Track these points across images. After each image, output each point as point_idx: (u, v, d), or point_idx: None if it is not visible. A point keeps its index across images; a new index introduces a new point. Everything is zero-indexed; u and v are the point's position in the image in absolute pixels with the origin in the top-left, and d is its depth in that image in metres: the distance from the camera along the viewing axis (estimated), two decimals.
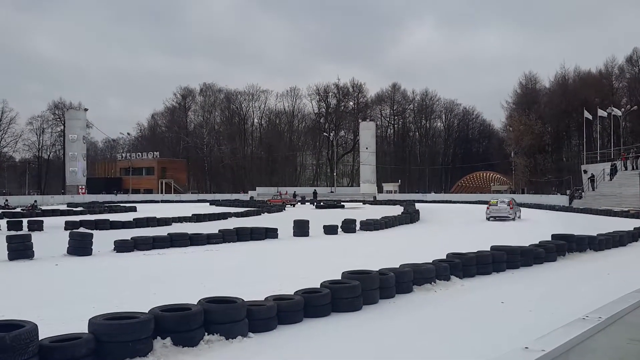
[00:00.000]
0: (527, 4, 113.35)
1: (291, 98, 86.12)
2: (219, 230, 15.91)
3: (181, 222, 23.06)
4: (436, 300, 7.58)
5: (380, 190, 67.10)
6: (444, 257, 9.57)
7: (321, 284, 6.95)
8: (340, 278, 7.42)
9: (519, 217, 26.51)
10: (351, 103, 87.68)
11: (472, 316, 6.76)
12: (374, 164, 68.63)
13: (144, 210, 32.46)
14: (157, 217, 22.29)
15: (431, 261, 8.99)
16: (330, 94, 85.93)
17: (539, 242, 12.19)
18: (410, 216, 24.95)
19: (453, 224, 24.40)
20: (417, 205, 35.36)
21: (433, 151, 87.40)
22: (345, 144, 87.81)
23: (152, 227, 20.61)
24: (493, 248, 10.54)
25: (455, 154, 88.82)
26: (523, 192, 52.65)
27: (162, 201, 56.40)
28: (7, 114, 74.55)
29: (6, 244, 11.82)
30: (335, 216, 24.43)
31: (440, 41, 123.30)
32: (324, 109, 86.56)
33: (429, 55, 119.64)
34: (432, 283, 8.28)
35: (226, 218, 26.53)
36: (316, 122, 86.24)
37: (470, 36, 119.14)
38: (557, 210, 35.10)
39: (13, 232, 16.37)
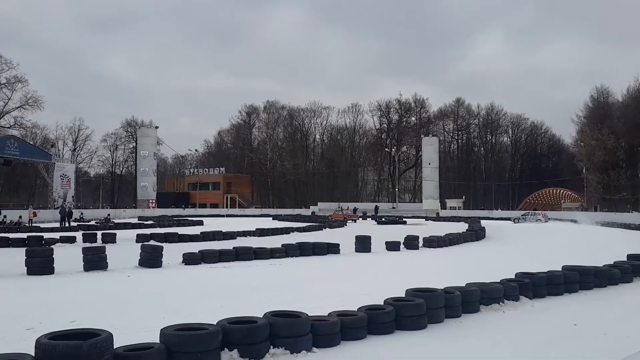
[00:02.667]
0: (597, 17, 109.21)
1: (353, 114, 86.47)
2: (282, 245, 16.11)
3: (245, 236, 23.53)
4: (504, 321, 7.34)
5: (443, 206, 65.85)
6: (512, 277, 9.27)
7: (385, 301, 6.89)
8: (404, 295, 7.34)
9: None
10: (413, 118, 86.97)
11: (542, 338, 6.50)
12: (437, 180, 67.51)
13: (210, 224, 33.37)
14: (223, 231, 22.84)
15: (499, 280, 8.73)
16: (392, 110, 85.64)
17: (614, 262, 11.58)
18: (475, 233, 24.31)
19: (522, 242, 23.55)
20: (483, 223, 34.41)
21: (499, 167, 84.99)
22: (407, 159, 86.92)
23: (218, 240, 21.13)
24: (565, 268, 10.10)
25: (523, 169, 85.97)
26: (596, 210, 50.14)
27: (227, 215, 57.71)
28: (83, 131, 78.99)
29: (82, 255, 12.47)
30: (397, 232, 24.17)
31: (507, 54, 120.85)
32: (385, 125, 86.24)
33: (495, 69, 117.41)
34: (500, 303, 8.03)
35: (288, 233, 26.81)
36: (378, 137, 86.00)
37: (538, 49, 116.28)
38: (632, 229, 33.16)
39: (88, 244, 17.23)
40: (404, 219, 43.86)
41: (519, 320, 7.45)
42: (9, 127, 67.34)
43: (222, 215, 57.20)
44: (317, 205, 64.55)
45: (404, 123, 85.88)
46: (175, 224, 35.35)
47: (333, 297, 8.71)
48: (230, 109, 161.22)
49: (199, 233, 22.00)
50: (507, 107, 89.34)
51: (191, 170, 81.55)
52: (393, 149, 78.50)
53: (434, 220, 47.18)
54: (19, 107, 68.68)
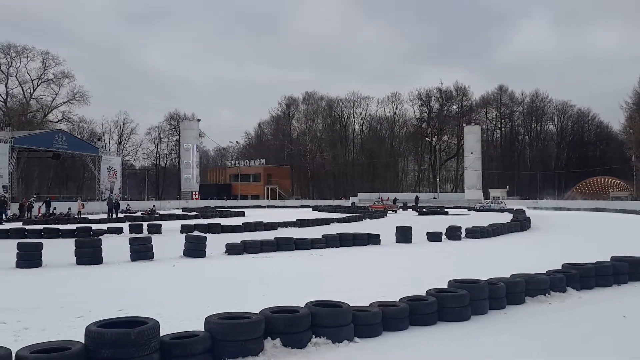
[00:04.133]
0: None
1: (392, 104, 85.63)
2: (322, 236, 16.15)
3: (286, 227, 23.72)
4: (551, 313, 7.17)
5: (486, 196, 64.61)
6: (559, 268, 9.03)
7: (427, 292, 6.84)
8: (446, 287, 7.26)
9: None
10: (455, 107, 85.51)
11: (590, 330, 6.33)
12: (479, 169, 66.31)
13: (252, 215, 33.81)
14: (264, 222, 23.08)
15: (545, 272, 8.53)
16: (432, 98, 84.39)
17: None
18: (520, 224, 23.76)
19: (568, 233, 22.93)
20: (528, 212, 33.64)
21: (544, 155, 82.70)
22: (449, 148, 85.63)
23: (259, 231, 21.40)
24: (614, 258, 9.77)
25: (570, 158, 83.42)
26: None
27: (268, 206, 58.29)
28: (128, 125, 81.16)
29: (129, 245, 12.84)
30: (438, 223, 23.92)
31: (553, 39, 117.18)
32: (426, 114, 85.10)
33: (540, 55, 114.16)
34: (547, 295, 7.85)
35: (328, 223, 26.87)
36: (418, 127, 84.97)
37: (585, 33, 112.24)
38: None
39: (135, 235, 17.71)
40: (446, 210, 43.31)
41: (566, 312, 7.27)
42: (57, 122, 69.88)
43: (263, 206, 57.81)
44: (357, 196, 64.43)
45: (445, 112, 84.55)
46: (217, 215, 35.94)
47: (374, 287, 8.69)
48: (270, 100, 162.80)
49: (240, 224, 22.30)
50: (552, 94, 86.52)
51: (232, 162, 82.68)
52: (434, 139, 77.44)
53: (477, 211, 46.42)
54: (66, 102, 71.18)
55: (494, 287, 7.25)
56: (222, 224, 22.34)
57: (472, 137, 67.27)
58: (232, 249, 13.91)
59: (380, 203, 49.43)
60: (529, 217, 27.27)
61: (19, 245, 11.77)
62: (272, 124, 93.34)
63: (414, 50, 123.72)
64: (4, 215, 29.79)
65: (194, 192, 64.19)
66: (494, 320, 6.73)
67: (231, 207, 51.60)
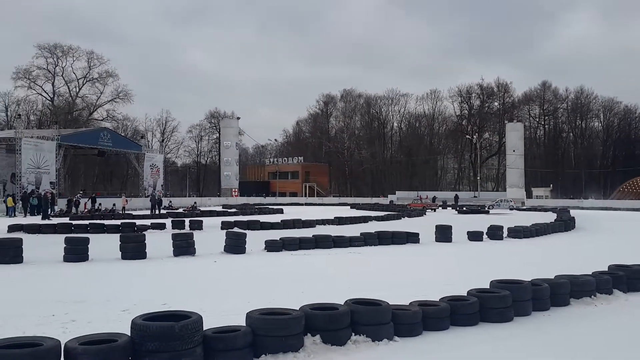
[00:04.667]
0: None
1: (431, 100, 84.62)
2: (361, 234, 16.12)
3: (324, 224, 23.76)
4: (596, 315, 6.98)
5: (529, 195, 63.27)
6: (605, 269, 8.77)
7: (468, 292, 6.75)
8: (488, 287, 7.15)
9: None
10: (496, 104, 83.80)
11: (637, 333, 6.13)
12: (521, 168, 64.89)
13: (290, 213, 34.00)
14: (302, 219, 23.19)
15: (590, 273, 8.29)
16: (473, 95, 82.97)
17: None
18: (564, 224, 23.15)
19: (615, 233, 22.20)
20: (572, 212, 32.73)
21: (590, 153, 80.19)
22: (490, 146, 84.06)
23: (297, 228, 21.52)
24: None
25: (616, 156, 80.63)
26: None
27: (306, 204, 58.53)
28: (170, 123, 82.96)
29: (172, 241, 13.11)
30: (479, 222, 23.57)
31: (598, 34, 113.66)
32: (466, 111, 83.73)
33: (585, 50, 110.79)
34: (592, 297, 7.64)
35: (367, 221, 26.79)
36: (458, 124, 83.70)
37: (632, 28, 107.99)
38: None
39: (177, 231, 18.07)
40: (487, 208, 42.58)
41: (612, 314, 7.07)
42: (102, 120, 72.00)
43: (301, 204, 58.08)
44: (395, 194, 64.01)
45: (486, 109, 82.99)
46: (256, 212, 36.31)
47: (413, 286, 8.64)
48: (308, 98, 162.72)
49: (279, 221, 22.48)
50: (597, 90, 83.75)
51: (271, 160, 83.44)
52: (474, 136, 76.09)
53: (519, 210, 45.44)
54: (110, 100, 73.33)
55: (538, 288, 7.10)
56: (261, 221, 22.56)
57: (514, 134, 65.87)
58: (272, 246, 14.04)
59: (419, 201, 48.94)
60: (573, 217, 26.54)
61: (67, 240, 12.18)
62: (310, 122, 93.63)
63: (454, 45, 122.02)
64: (51, 210, 30.87)
65: (233, 190, 65.01)
66: (538, 322, 6.59)
67: (270, 204, 52.03)
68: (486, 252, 14.88)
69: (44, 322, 6.26)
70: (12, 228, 19.05)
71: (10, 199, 30.98)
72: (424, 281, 9.39)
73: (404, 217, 31.44)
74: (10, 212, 30.27)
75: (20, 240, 11.90)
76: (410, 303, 6.24)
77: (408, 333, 5.70)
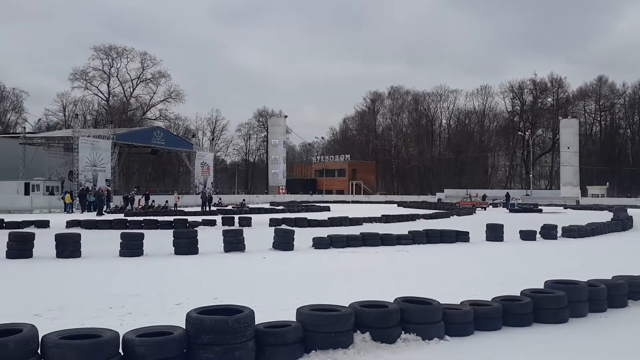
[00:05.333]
0: None
1: (482, 96, 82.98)
2: (409, 232, 15.98)
3: (371, 222, 23.66)
4: None
5: (584, 193, 61.09)
6: None
7: (522, 292, 6.59)
8: (542, 287, 6.96)
9: None
10: (549, 99, 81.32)
11: None
12: (576, 165, 62.70)
13: (337, 210, 34.01)
14: (349, 216, 23.17)
15: None
16: (525, 91, 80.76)
17: None
18: (621, 223, 22.22)
19: None
20: (630, 211, 31.38)
21: None
22: (543, 143, 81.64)
23: (344, 226, 21.51)
24: None
25: None
26: None
27: (353, 202, 58.44)
28: (220, 122, 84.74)
29: (222, 237, 13.37)
30: (532, 221, 22.95)
31: None
32: (518, 107, 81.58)
33: None
34: None
35: (414, 220, 26.53)
36: (509, 120, 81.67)
37: None
38: None
39: (227, 227, 18.40)
40: (540, 207, 41.38)
41: None
42: (154, 119, 74.23)
43: (348, 202, 58.03)
44: (443, 192, 63.09)
45: (539, 104, 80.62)
46: (303, 209, 36.53)
47: (463, 286, 8.52)
48: (355, 95, 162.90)
49: (326, 218, 22.54)
50: None
51: (318, 158, 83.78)
52: (527, 133, 74.06)
53: (574, 209, 43.95)
54: (163, 100, 75.53)
55: (594, 289, 6.87)
56: (308, 218, 22.69)
57: (568, 130, 63.73)
58: (319, 243, 14.10)
59: (468, 199, 48.09)
60: (631, 216, 25.43)
61: (122, 236, 12.60)
62: (357, 120, 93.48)
63: (506, 40, 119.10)
64: (107, 207, 32.01)
65: (281, 187, 65.64)
66: (594, 324, 6.39)
67: (317, 201, 52.25)
68: (539, 251, 14.47)
69: (101, 314, 6.51)
70: (70, 224, 19.87)
71: (68, 195, 32.34)
72: (475, 281, 9.22)
73: (452, 216, 30.93)
74: (68, 208, 31.61)
75: (79, 235, 12.40)
76: (462, 302, 6.15)
77: (459, 333, 5.62)
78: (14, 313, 6.32)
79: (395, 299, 5.74)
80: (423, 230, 16.33)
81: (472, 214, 34.10)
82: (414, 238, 15.44)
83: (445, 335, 5.49)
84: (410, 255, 13.20)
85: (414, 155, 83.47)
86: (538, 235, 17.25)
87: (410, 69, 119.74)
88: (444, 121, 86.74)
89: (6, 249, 11.70)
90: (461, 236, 16.11)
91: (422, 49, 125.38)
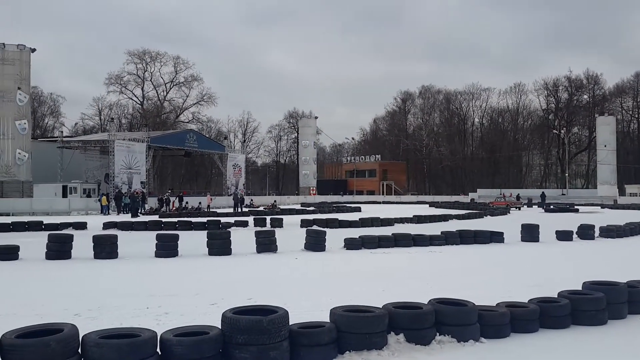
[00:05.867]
0: None
1: (515, 94, 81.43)
2: (441, 232, 15.83)
3: (403, 222, 23.53)
4: None
5: (621, 192, 59.39)
6: None
7: (559, 294, 6.46)
8: (580, 288, 6.81)
9: None
10: (585, 96, 79.24)
11: None
12: (614, 164, 61.05)
13: (368, 211, 33.95)
14: (381, 217, 23.09)
15: None
16: (560, 88, 78.87)
17: None
18: None
19: None
20: None
21: None
22: (579, 141, 79.66)
23: (375, 226, 21.47)
24: None
25: None
26: None
27: (384, 202, 58.19)
28: (251, 124, 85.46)
29: (255, 238, 13.49)
30: (568, 221, 22.47)
31: None
32: (553, 105, 79.80)
33: None
34: None
35: (447, 220, 26.26)
36: (544, 118, 79.98)
37: None
38: None
39: (259, 228, 18.56)
40: (576, 207, 40.46)
41: None
42: (187, 122, 75.33)
43: (379, 202, 57.80)
44: (476, 192, 62.22)
45: (575, 102, 78.70)
46: (334, 210, 36.57)
47: (499, 287, 8.41)
48: (385, 95, 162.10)
49: (357, 219, 22.51)
50: None
51: (348, 158, 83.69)
52: (562, 131, 72.41)
53: (611, 208, 42.81)
54: (195, 103, 76.63)
55: (634, 290, 6.71)
56: (339, 219, 22.70)
57: (605, 128, 62.11)
58: (351, 244, 14.09)
59: (502, 199, 47.29)
60: None
61: (158, 237, 12.84)
62: (387, 120, 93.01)
63: (540, 37, 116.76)
64: (142, 208, 32.66)
65: (311, 188, 65.81)
66: (633, 326, 6.24)
67: (347, 202, 52.20)
68: (577, 252, 14.15)
69: (139, 314, 6.64)
70: (106, 225, 20.34)
71: (104, 197, 33.13)
72: (510, 282, 9.07)
73: (486, 216, 30.50)
74: (104, 210, 32.38)
75: (116, 236, 12.69)
76: (497, 304, 6.07)
77: (495, 335, 5.54)
78: (54, 313, 6.51)
79: (430, 300, 5.70)
80: (456, 230, 16.14)
81: (506, 214, 33.57)
82: (447, 239, 15.28)
83: (481, 338, 5.42)
84: (443, 256, 13.07)
85: (446, 155, 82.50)
86: (575, 236, 16.87)
87: (442, 68, 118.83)
88: (476, 120, 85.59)
89: (46, 250, 12.06)
90: (495, 237, 15.87)
91: (453, 47, 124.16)
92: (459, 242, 15.34)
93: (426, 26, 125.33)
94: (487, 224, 23.48)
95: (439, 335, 5.27)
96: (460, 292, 6.81)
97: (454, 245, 15.07)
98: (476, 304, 5.68)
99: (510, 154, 77.04)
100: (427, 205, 47.68)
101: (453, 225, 21.05)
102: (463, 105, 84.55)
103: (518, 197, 49.73)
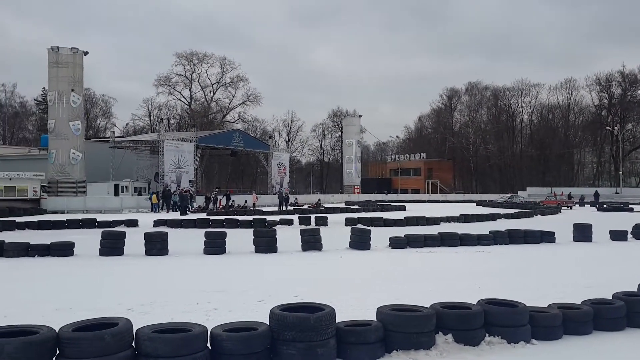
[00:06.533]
0: None
1: (566, 90, 78.75)
2: (490, 232, 15.52)
3: (449, 222, 23.19)
4: None
5: None
6: None
7: (614, 295, 6.25)
8: (636, 290, 6.56)
9: None
10: None
11: None
12: None
13: (413, 210, 33.63)
14: (426, 216, 22.82)
15: None
16: (613, 83, 75.79)
17: None
18: None
19: None
20: None
21: None
22: (633, 138, 76.35)
23: (421, 225, 21.22)
24: None
25: None
26: None
27: (429, 201, 57.50)
28: (295, 123, 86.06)
29: (300, 236, 13.59)
30: (622, 220, 21.68)
31: None
32: (606, 100, 76.75)
33: None
34: None
35: (495, 219, 25.70)
36: (596, 115, 77.06)
37: None
38: None
39: (304, 227, 18.68)
40: (630, 206, 38.87)
41: None
42: (233, 122, 76.51)
43: (424, 201, 57.14)
44: (525, 190, 60.64)
45: (629, 97, 75.44)
46: (379, 208, 36.37)
47: (550, 288, 8.20)
48: (431, 93, 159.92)
49: (402, 218, 22.32)
50: None
51: (392, 157, 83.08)
52: (616, 127, 69.59)
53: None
54: (241, 103, 77.75)
55: None
56: (384, 217, 22.57)
57: None
58: (396, 243, 14.00)
59: (553, 198, 45.93)
60: None
61: (206, 234, 13.12)
62: (433, 117, 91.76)
63: (592, 31, 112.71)
64: (190, 207, 33.39)
65: (355, 187, 65.67)
66: None
67: (392, 201, 51.83)
68: (632, 252, 13.62)
69: (189, 309, 6.81)
70: (157, 223, 20.90)
71: (154, 196, 34.05)
72: (562, 283, 8.81)
73: (536, 215, 29.69)
74: (154, 208, 33.29)
75: (166, 234, 13.04)
76: (549, 305, 5.92)
77: (547, 336, 5.42)
78: (108, 307, 6.75)
79: (478, 301, 5.61)
80: (505, 230, 15.80)
81: (557, 213, 32.59)
82: (496, 238, 14.98)
83: (532, 339, 5.31)
84: (491, 256, 12.82)
85: (494, 153, 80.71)
86: (630, 236, 16.26)
87: (489, 64, 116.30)
88: (525, 116, 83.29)
89: (99, 246, 12.50)
90: (546, 236, 15.45)
91: (501, 43, 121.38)
92: (508, 242, 15.02)
93: (472, 21, 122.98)
94: (537, 223, 22.87)
95: (489, 336, 5.19)
96: (510, 293, 6.67)
97: (503, 245, 14.76)
98: (527, 305, 5.56)
99: (561, 151, 74.67)
100: (474, 204, 46.86)
101: (502, 225, 20.58)
102: (511, 102, 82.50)
103: (569, 196, 48.22)
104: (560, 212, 33.92)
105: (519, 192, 60.36)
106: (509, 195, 48.38)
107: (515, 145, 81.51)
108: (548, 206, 37.06)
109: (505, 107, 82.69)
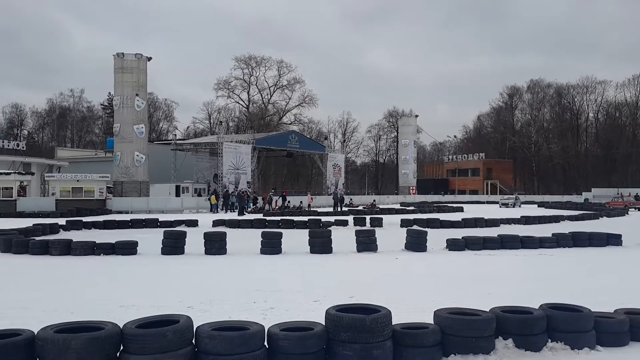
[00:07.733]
0: None
1: (634, 87, 74.96)
2: (552, 234, 14.98)
3: (509, 223, 22.52)
4: None
5: None
6: None
7: None
8: None
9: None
10: None
11: None
12: None
13: (470, 211, 32.90)
14: (485, 217, 22.27)
15: None
16: None
17: None
18: None
19: None
20: None
21: None
22: None
23: (479, 227, 20.74)
24: None
25: None
26: None
27: (488, 202, 56.11)
28: (351, 124, 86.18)
29: (355, 237, 13.57)
30: None
31: None
32: None
33: None
34: None
35: (558, 221, 24.77)
36: None
37: None
38: None
39: (359, 228, 18.63)
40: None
41: None
42: (290, 124, 77.44)
43: (482, 202, 55.80)
44: (590, 191, 58.13)
45: None
46: (435, 210, 35.83)
47: (617, 293, 7.86)
48: (490, 91, 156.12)
49: (460, 219, 21.89)
50: None
51: (450, 157, 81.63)
52: None
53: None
54: (297, 105, 78.57)
55: None
56: (440, 219, 22.19)
57: None
58: (453, 245, 13.75)
59: (620, 199, 43.84)
60: None
61: (263, 234, 13.32)
62: (492, 116, 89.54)
63: None
64: (247, 207, 34.01)
65: (411, 187, 64.96)
66: None
67: (449, 202, 50.96)
68: None
69: (247, 308, 6.94)
70: (216, 223, 21.41)
71: (213, 197, 34.90)
72: (630, 288, 8.43)
73: (602, 217, 28.42)
74: (213, 208, 34.13)
75: (224, 234, 13.33)
76: (615, 310, 5.67)
77: (612, 343, 5.19)
78: (169, 304, 6.97)
79: (541, 305, 5.43)
80: (569, 232, 15.22)
81: (624, 215, 31.10)
82: (559, 241, 14.45)
83: (597, 346, 5.10)
84: (555, 259, 12.36)
85: (557, 152, 77.82)
86: None
87: (551, 61, 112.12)
88: (591, 115, 79.92)
89: (161, 246, 12.92)
90: (613, 239, 14.77)
91: (564, 39, 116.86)
92: (571, 244, 14.45)
93: (533, 16, 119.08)
94: (603, 225, 21.84)
95: (551, 341, 5.02)
96: (574, 298, 6.43)
97: (566, 247, 14.22)
98: (592, 310, 5.34)
99: (628, 150, 71.12)
100: (536, 206, 45.42)
101: (565, 227, 19.82)
102: (576, 100, 79.36)
103: (637, 197, 45.86)
104: (628, 214, 32.36)
105: (583, 193, 57.99)
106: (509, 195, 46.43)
107: (579, 145, 78.39)
108: (614, 208, 35.40)
109: (570, 105, 79.65)
